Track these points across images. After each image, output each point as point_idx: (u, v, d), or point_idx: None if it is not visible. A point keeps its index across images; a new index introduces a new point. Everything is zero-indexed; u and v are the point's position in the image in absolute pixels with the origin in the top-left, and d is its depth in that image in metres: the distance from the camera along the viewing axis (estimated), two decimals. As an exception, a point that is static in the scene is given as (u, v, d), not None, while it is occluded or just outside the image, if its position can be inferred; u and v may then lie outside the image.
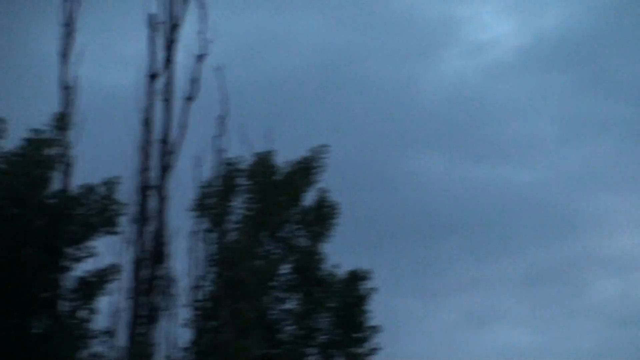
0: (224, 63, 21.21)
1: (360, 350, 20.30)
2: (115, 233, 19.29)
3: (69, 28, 20.62)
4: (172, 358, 19.38)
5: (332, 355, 20.45)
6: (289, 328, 20.41)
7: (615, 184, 41.31)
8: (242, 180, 20.87)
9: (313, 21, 37.93)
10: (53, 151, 19.57)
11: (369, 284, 20.94)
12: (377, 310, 20.60)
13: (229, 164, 20.66)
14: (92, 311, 19.14)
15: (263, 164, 20.90)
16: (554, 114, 41.87)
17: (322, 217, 21.15)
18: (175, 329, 19.86)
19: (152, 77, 20.18)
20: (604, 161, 39.96)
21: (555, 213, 39.47)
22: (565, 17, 43.67)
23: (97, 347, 19.18)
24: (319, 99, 33.91)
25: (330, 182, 20.73)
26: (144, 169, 19.86)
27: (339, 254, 20.80)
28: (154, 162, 20.33)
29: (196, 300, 19.90)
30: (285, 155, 21.13)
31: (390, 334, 20.88)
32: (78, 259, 19.12)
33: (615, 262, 39.68)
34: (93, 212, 19.34)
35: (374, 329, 20.49)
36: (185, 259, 19.98)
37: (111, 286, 19.30)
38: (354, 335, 20.60)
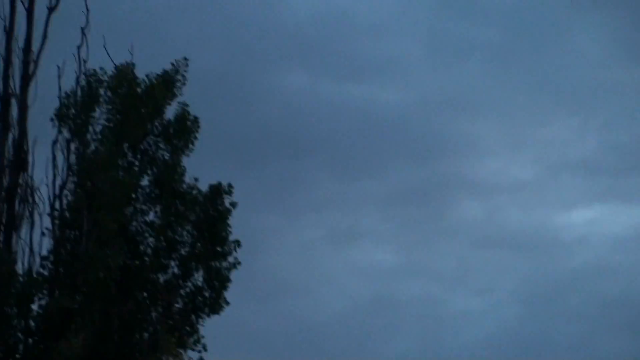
0: None
1: (221, 264, 20.94)
2: None
3: None
4: (31, 273, 19.87)
5: (193, 267, 21.05)
6: (149, 240, 20.92)
7: (479, 108, 42.93)
8: (103, 92, 21.13)
9: None
10: None
11: (230, 199, 21.36)
12: (239, 226, 21.21)
13: (90, 75, 21.06)
14: None
15: (124, 76, 21.15)
16: (420, 34, 43.12)
17: (183, 130, 21.40)
18: (36, 237, 20.11)
19: None
20: (468, 84, 41.27)
21: (419, 135, 41.04)
22: None
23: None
24: (181, 11, 34.08)
25: (192, 96, 21.52)
26: (5, 77, 20.48)
27: (200, 168, 21.68)
28: (16, 70, 20.86)
29: (56, 210, 20.26)
30: (147, 68, 21.37)
31: (251, 249, 21.35)
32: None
33: (478, 185, 41.37)
34: None
35: (235, 243, 21.06)
36: (46, 169, 20.43)
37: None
38: (215, 248, 21.04)
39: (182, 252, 21.00)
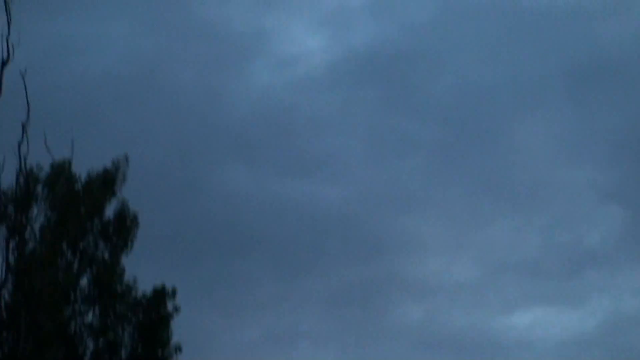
0: (29, 68, 21.02)
1: None
2: None
3: None
4: None
5: None
6: (88, 341, 21.20)
7: (420, 205, 43.03)
8: (40, 189, 21.69)
9: (123, 28, 38.74)
10: None
11: (173, 302, 21.80)
12: (180, 326, 22.01)
13: (28, 173, 21.22)
14: None
15: (62, 173, 21.82)
16: (362, 130, 43.93)
17: (122, 229, 22.00)
18: None
19: None
20: (410, 181, 41.49)
21: (361, 233, 41.69)
22: (376, 35, 46.06)
23: None
24: (123, 106, 34.66)
25: (132, 192, 22.49)
26: None
27: (140, 266, 22.56)
28: None
29: None
30: (87, 164, 22.14)
31: (191, 350, 21.17)
32: None
33: (419, 285, 41.26)
34: None
35: (177, 348, 21.51)
36: None
37: None
38: (156, 352, 21.40)
39: (122, 354, 21.32)
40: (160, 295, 21.65)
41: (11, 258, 20.84)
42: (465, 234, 43.48)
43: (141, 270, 22.17)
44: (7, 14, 21.62)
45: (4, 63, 20.97)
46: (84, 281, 21.50)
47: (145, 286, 21.51)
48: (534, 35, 45.47)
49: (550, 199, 43.10)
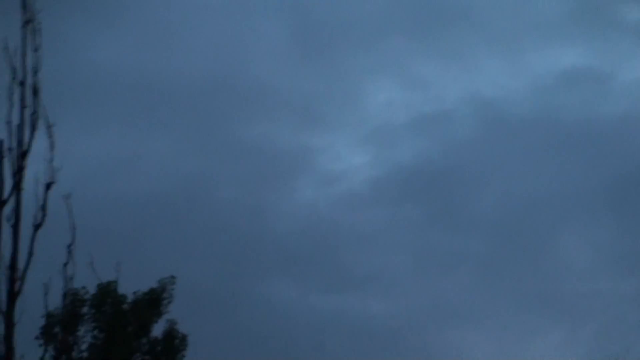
0: (72, 189, 22.01)
1: None
2: None
3: None
4: None
5: None
6: None
7: (467, 319, 43.37)
8: (87, 310, 22.42)
9: (164, 146, 40.54)
10: None
11: None
12: None
13: (74, 293, 22.08)
14: None
15: (108, 294, 22.51)
16: (407, 246, 44.33)
17: (170, 348, 22.60)
18: None
19: (1, 204, 21.07)
20: (456, 295, 42.05)
21: (408, 345, 41.13)
22: (419, 151, 47.18)
23: None
24: (168, 226, 35.36)
25: (179, 311, 22.91)
26: None
27: None
28: (2, 287, 20.85)
29: None
30: (133, 286, 22.74)
31: None
32: None
33: None
34: None
35: None
36: None
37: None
38: None
39: None
40: None
41: None
42: (511, 346, 43.69)
43: None
44: (49, 137, 22.59)
45: (48, 187, 21.89)
46: None
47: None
48: (577, 148, 46.17)
49: (596, 311, 42.68)
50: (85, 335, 22.01)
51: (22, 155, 22.81)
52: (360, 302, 42.27)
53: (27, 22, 21.75)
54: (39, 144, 22.86)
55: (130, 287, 22.38)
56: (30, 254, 22.08)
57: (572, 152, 46.41)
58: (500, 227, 44.25)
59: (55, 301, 21.69)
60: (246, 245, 40.11)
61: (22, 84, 22.22)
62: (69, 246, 21.70)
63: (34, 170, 22.79)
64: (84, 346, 21.82)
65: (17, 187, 22.49)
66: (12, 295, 21.61)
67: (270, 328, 39.17)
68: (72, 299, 22.00)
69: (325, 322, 40.87)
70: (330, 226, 43.29)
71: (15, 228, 22.13)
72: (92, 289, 22.51)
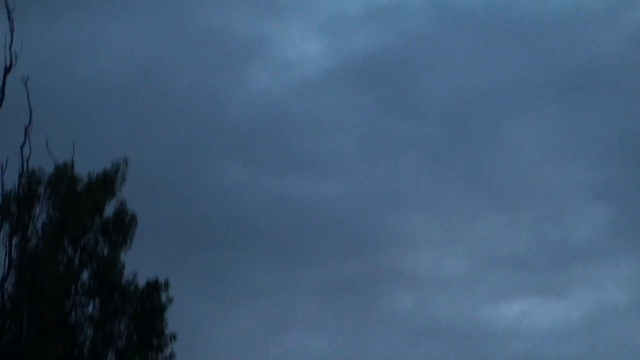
0: (30, 73, 23.46)
1: (157, 356, 23.47)
2: None
3: None
4: None
5: (129, 359, 23.65)
6: (88, 331, 23.30)
7: (413, 202, 45.82)
8: (43, 189, 23.73)
9: (124, 31, 42.44)
10: None
11: (167, 294, 23.89)
12: (175, 317, 24.10)
13: (31, 174, 23.66)
14: None
15: (64, 174, 23.83)
16: (358, 132, 46.51)
17: (121, 227, 24.01)
18: None
19: None
20: (403, 179, 44.25)
21: (355, 228, 44.02)
22: (372, 41, 49.89)
23: None
24: (123, 109, 36.90)
25: (130, 191, 24.36)
26: None
27: (139, 261, 24.41)
28: None
29: None
30: (88, 166, 24.15)
31: (187, 340, 23.70)
32: None
33: (411, 278, 44.01)
34: None
35: (171, 337, 23.61)
36: None
37: None
38: (151, 341, 23.51)
39: (119, 344, 23.28)
40: (154, 287, 23.54)
41: (14, 254, 22.89)
42: (456, 229, 46.12)
43: (140, 265, 24.06)
44: (9, 22, 23.78)
45: (7, 70, 23.21)
46: (84, 275, 23.41)
47: (144, 281, 23.88)
48: (526, 42, 48.25)
49: (539, 197, 45.72)
50: (41, 214, 23.32)
51: None
52: (310, 185, 44.29)
53: None
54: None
55: (86, 168, 23.77)
56: None
57: (521, 45, 48.28)
58: (449, 116, 46.39)
59: (12, 183, 23.37)
60: (200, 130, 42.23)
61: (-19, -33, 23.55)
62: (26, 128, 23.18)
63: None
64: (39, 224, 23.16)
65: None
66: None
67: (220, 209, 41.23)
68: (28, 179, 23.53)
69: (274, 203, 43.18)
70: (283, 112, 45.08)
71: None
72: (48, 170, 23.71)
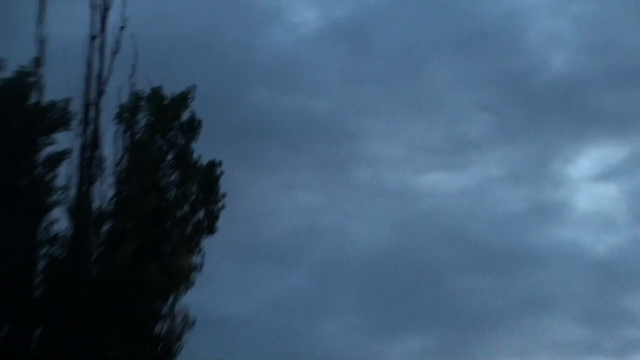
0: (136, 28, 34.10)
1: (215, 206, 34.00)
2: (70, 129, 32.76)
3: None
4: (101, 208, 32.19)
5: (198, 208, 33.50)
6: (171, 191, 33.16)
7: (372, 111, 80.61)
8: (144, 103, 33.94)
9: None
10: (31, 79, 31.23)
11: (220, 168, 33.78)
12: (223, 184, 34.84)
13: (136, 93, 34.07)
14: (56, 177, 31.84)
15: (156, 94, 34.08)
16: (338, 67, 73.92)
17: (192, 127, 34.12)
18: (105, 189, 32.41)
19: (93, 38, 34.08)
20: (366, 99, 77.33)
21: (337, 128, 75.57)
22: (350, 8, 75.32)
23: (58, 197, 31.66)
24: (194, 56, 55.57)
25: (197, 105, 35.00)
26: (87, 92, 33.35)
27: (204, 149, 34.65)
28: (94, 89, 33.46)
29: (117, 171, 32.07)
30: (170, 89, 34.44)
31: (229, 198, 34.27)
32: (47, 144, 32.24)
33: (369, 158, 77.18)
34: (56, 116, 31.39)
35: (223, 195, 33.96)
36: (111, 147, 33.09)
37: (66, 161, 32.21)
38: (211, 197, 33.63)
39: (191, 199, 32.99)
40: (212, 164, 33.06)
41: (127, 143, 32.72)
42: (398, 129, 71.99)
43: (204, 151, 34.08)
44: None
45: (121, 29, 33.69)
46: (169, 156, 32.86)
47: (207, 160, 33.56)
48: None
49: (449, 109, 71.99)
50: (142, 119, 33.36)
51: (106, 9, 34.42)
52: (307, 101, 69.36)
53: None
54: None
55: (169, 90, 33.86)
56: (110, 70, 33.96)
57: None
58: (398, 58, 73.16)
59: (124, 98, 33.80)
60: (239, 67, 65.37)
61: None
62: (133, 65, 34.01)
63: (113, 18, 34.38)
64: (141, 124, 33.21)
65: (103, 25, 34.03)
66: (100, 93, 33.42)
67: (253, 119, 63.00)
68: (135, 97, 33.67)
69: (286, 113, 65.63)
70: (291, 56, 68.26)
71: (101, 52, 34.08)
72: (147, 92, 33.90)
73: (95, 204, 31.40)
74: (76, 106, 32.78)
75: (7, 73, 31.41)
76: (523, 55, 73.15)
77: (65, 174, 31.77)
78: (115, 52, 33.41)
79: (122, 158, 32.74)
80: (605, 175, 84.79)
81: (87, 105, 32.78)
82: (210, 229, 32.61)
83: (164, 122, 33.41)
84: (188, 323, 30.78)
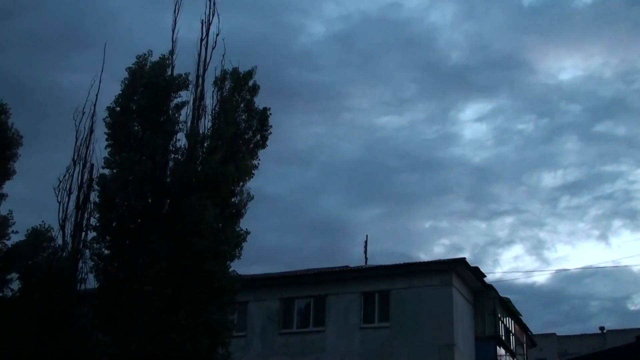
0: (225, 33, 49.22)
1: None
2: (188, 90, 49.73)
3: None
4: (204, 133, 49.00)
5: None
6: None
7: None
8: (228, 76, 51.35)
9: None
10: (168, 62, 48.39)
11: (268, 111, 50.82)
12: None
13: (224, 70, 50.51)
14: (180, 115, 49.41)
15: (236, 71, 50.60)
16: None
17: (254, 88, 54.42)
18: (206, 123, 49.81)
19: (202, 40, 50.40)
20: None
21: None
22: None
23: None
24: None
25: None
26: (197, 70, 50.10)
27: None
28: (201, 67, 49.82)
29: (214, 113, 49.57)
30: (243, 68, 50.52)
31: None
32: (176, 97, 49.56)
33: None
34: (181, 82, 49.99)
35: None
36: (210, 100, 49.93)
37: (186, 107, 49.75)
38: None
39: (253, 129, 48.70)
40: (265, 110, 48.62)
41: (218, 97, 47.30)
42: None
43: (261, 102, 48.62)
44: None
45: (210, 22, 49.35)
46: (242, 105, 48.25)
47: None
48: None
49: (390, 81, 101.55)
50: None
51: (209, 23, 49.71)
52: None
53: None
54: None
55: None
56: (211, 57, 52.04)
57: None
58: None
59: (218, 73, 50.11)
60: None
61: None
62: (223, 55, 49.79)
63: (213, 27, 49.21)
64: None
65: (207, 32, 49.94)
66: (204, 70, 49.90)
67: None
68: (223, 71, 48.64)
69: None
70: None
71: (206, 47, 49.84)
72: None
73: (201, 131, 46.15)
74: (192, 77, 47.97)
75: (154, 59, 47.43)
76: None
77: (185, 114, 47.17)
78: (213, 48, 49.18)
79: (215, 106, 47.28)
80: (480, 118, 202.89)
81: (197, 77, 48.07)
82: (263, 145, 47.24)
83: (239, 86, 47.86)
84: (249, 197, 45.59)
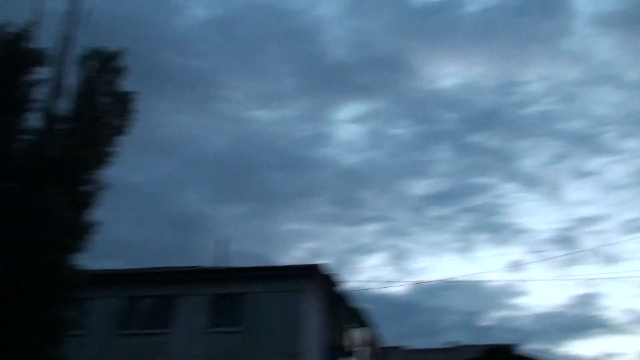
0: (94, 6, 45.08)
1: None
2: (50, 66, 44.23)
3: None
4: (63, 115, 42.77)
5: None
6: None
7: None
8: (94, 54, 49.41)
9: None
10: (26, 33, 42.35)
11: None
12: None
13: (90, 48, 46.86)
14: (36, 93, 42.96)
15: (103, 50, 47.85)
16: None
17: (118, 69, 50.74)
18: (66, 103, 44.28)
19: (68, 12, 45.86)
20: None
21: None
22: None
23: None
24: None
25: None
26: (61, 46, 46.01)
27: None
28: (66, 43, 45.65)
29: (76, 93, 46.28)
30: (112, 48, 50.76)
31: None
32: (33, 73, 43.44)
33: None
34: (41, 56, 44.14)
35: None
36: (73, 78, 45.76)
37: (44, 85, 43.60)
38: None
39: (114, 113, 50.02)
40: (127, 93, 46.99)
41: (82, 76, 44.72)
42: None
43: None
44: None
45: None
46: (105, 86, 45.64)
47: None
48: None
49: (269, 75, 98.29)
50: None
51: None
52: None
53: None
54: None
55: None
56: (76, 32, 49.05)
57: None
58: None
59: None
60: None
61: None
62: (91, 32, 51.68)
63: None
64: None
65: (75, 5, 45.34)
66: (68, 46, 44.93)
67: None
68: (90, 49, 52.03)
69: None
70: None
71: (73, 21, 45.04)
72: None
73: (60, 112, 43.04)
74: (54, 53, 44.59)
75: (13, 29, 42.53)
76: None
77: (43, 92, 43.49)
78: (79, 23, 46.27)
79: (79, 86, 44.80)
80: (356, 119, 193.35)
81: (59, 53, 45.20)
82: (124, 131, 45.32)
83: (104, 67, 45.93)
84: (103, 186, 43.77)
